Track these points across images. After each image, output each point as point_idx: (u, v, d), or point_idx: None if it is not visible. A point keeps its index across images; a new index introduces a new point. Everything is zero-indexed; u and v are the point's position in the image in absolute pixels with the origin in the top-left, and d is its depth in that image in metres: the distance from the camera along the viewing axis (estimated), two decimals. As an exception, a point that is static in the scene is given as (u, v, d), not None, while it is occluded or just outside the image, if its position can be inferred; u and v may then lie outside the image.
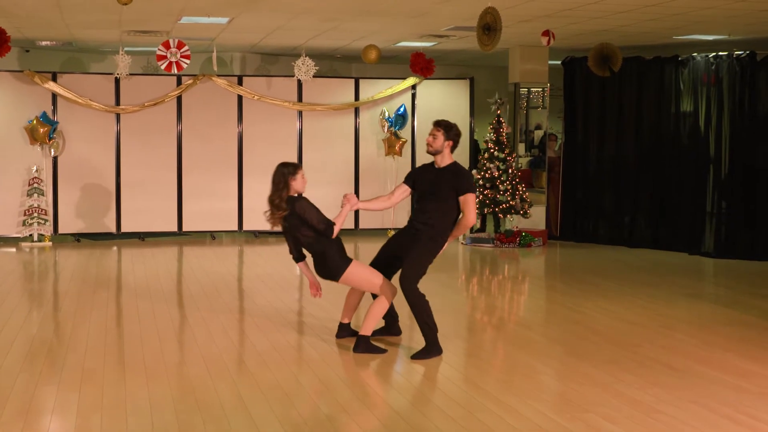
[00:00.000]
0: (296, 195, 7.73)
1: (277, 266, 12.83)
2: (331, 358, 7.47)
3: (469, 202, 7.66)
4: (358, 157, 16.30)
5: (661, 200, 14.92)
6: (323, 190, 16.04)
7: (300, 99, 16.01)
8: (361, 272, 7.70)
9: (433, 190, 7.76)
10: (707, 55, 14.24)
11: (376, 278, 7.69)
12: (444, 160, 7.86)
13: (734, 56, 13.87)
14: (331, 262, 7.65)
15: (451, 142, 7.85)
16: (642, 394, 6.43)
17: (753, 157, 13.81)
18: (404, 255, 7.71)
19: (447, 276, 12.31)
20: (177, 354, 7.67)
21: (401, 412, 6.07)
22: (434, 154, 7.88)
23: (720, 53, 14.09)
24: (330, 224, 7.66)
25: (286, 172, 7.67)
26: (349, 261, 7.68)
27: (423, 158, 16.21)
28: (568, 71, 16.05)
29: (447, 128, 7.88)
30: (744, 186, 13.91)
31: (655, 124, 15.04)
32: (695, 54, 14.46)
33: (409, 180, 8.05)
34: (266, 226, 15.78)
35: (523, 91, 15.99)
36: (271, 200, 7.71)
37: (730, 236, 14.00)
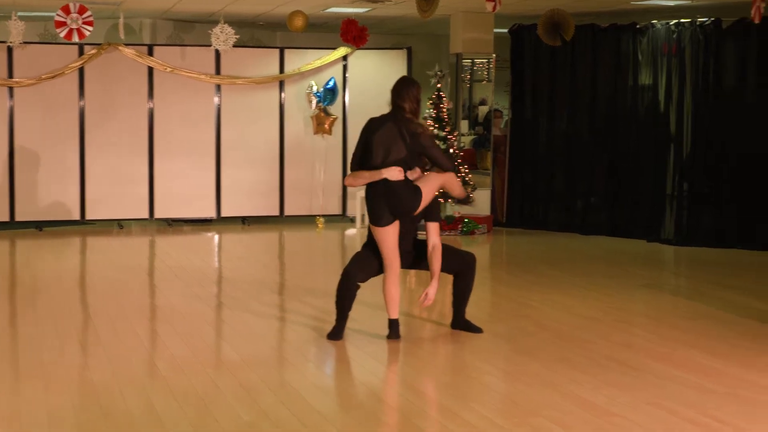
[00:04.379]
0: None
1: (192, 258, 12.74)
2: (253, 360, 7.44)
3: None
4: (283, 135, 16.24)
5: (617, 183, 15.07)
6: (244, 173, 16.01)
7: (218, 71, 15.89)
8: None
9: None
10: (668, 23, 14.40)
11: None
12: None
13: (697, 24, 14.04)
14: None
15: None
16: (596, 395, 6.49)
17: (717, 134, 13.98)
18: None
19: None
20: (79, 357, 7.58)
21: (330, 418, 6.06)
22: None
23: (682, 20, 14.25)
24: None
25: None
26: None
27: (355, 136, 16.17)
28: (516, 40, 16.12)
29: None
30: (707, 166, 14.09)
31: (610, 99, 15.18)
32: (655, 21, 14.61)
33: None
34: (181, 214, 15.88)
35: (466, 62, 16.03)
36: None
37: (692, 221, 14.18)
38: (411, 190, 7.84)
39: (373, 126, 7.95)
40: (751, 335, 8.35)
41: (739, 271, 11.95)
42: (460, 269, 8.26)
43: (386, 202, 7.81)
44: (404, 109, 7.88)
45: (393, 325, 8.06)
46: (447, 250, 8.19)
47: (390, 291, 8.01)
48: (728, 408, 6.24)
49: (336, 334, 8.02)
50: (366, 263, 8.06)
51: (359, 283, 8.06)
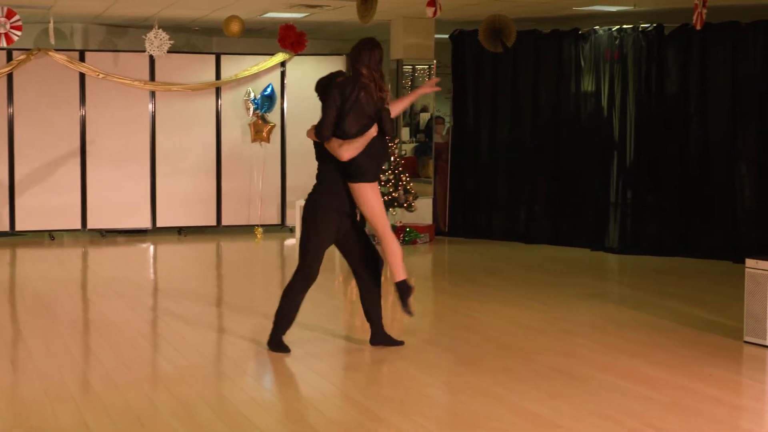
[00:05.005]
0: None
1: (127, 270, 12.66)
2: (191, 374, 7.41)
3: None
4: (220, 143, 16.17)
5: (560, 190, 15.18)
6: (180, 182, 15.94)
7: (152, 77, 15.81)
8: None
9: None
10: (610, 29, 14.54)
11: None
12: None
13: (640, 30, 14.19)
14: None
15: None
16: (539, 406, 6.54)
17: (661, 141, 14.15)
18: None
19: (322, 278, 12.25)
20: (8, 374, 7.50)
21: (270, 434, 6.07)
22: None
23: (624, 26, 14.40)
24: None
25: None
26: None
27: (294, 144, 16.19)
28: (457, 46, 16.20)
29: None
30: (651, 174, 14.25)
31: (553, 106, 15.29)
32: (597, 27, 14.75)
33: None
34: (114, 225, 15.76)
35: (407, 68, 16.08)
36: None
37: (635, 230, 14.33)
38: (384, 138, 8.01)
39: (346, 97, 7.77)
40: (693, 343, 8.47)
41: (682, 280, 12.10)
42: (364, 274, 8.22)
43: (382, 156, 7.97)
44: (362, 74, 7.81)
45: (402, 288, 7.99)
46: (363, 239, 8.24)
47: (393, 248, 8.00)
48: (671, 417, 6.32)
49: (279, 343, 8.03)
50: (318, 258, 8.12)
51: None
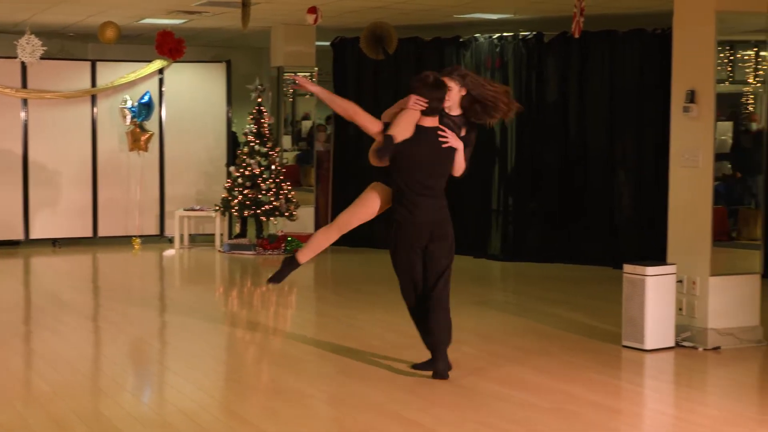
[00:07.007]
0: None
1: (6, 284, 12.42)
2: (66, 391, 7.28)
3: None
4: (96, 152, 15.93)
5: (443, 197, 15.28)
6: (54, 192, 15.67)
7: (24, 85, 15.52)
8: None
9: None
10: (491, 36, 14.72)
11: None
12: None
13: (520, 38, 14.40)
14: None
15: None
16: (422, 415, 6.57)
17: (541, 148, 14.35)
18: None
19: (202, 288, 12.21)
20: None
21: (148, 449, 6.00)
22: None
23: (505, 34, 14.59)
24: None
25: None
26: None
27: (173, 153, 16.05)
28: (338, 54, 16.23)
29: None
30: (532, 181, 14.45)
31: (435, 113, 15.39)
32: (478, 35, 14.91)
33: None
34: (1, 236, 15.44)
35: (288, 75, 16.06)
36: None
37: (517, 237, 14.51)
38: None
39: None
40: (577, 350, 8.61)
41: (565, 286, 12.28)
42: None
43: None
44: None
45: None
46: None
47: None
48: (553, 423, 6.42)
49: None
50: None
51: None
